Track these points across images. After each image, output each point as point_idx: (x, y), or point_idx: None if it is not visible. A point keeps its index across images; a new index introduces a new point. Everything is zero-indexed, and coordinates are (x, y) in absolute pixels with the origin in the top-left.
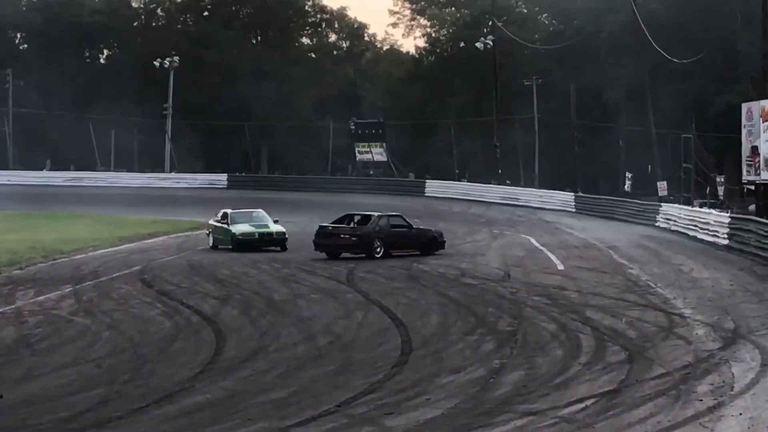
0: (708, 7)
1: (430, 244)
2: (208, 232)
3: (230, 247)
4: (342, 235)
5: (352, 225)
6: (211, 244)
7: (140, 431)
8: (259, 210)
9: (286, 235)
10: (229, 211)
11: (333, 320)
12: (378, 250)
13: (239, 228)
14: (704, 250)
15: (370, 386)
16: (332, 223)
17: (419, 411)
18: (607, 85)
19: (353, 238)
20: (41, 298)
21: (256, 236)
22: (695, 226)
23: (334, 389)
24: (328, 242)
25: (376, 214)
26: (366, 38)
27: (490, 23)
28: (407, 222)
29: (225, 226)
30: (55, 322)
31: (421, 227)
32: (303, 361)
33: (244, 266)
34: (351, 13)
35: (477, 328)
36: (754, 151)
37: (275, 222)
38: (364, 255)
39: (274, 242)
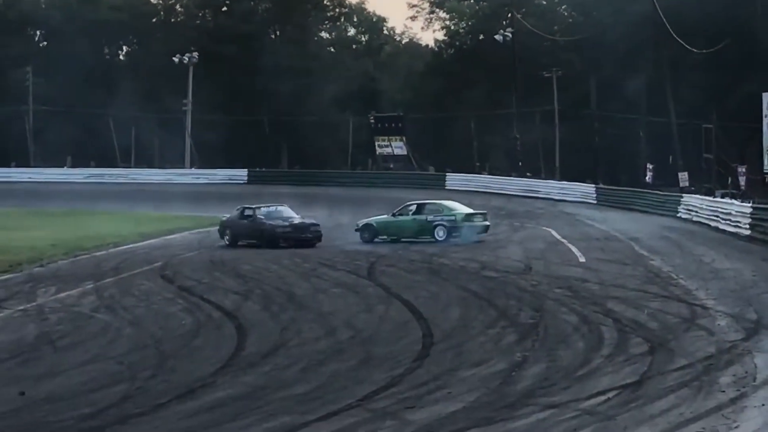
0: None
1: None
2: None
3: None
4: None
5: None
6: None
7: (162, 427)
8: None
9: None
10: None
11: (354, 314)
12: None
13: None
14: (726, 241)
15: (392, 380)
16: None
17: (440, 405)
18: (627, 76)
19: None
20: (62, 295)
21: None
22: (717, 216)
23: (356, 383)
24: None
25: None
26: (385, 32)
27: (509, 15)
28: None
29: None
30: (77, 319)
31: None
32: (324, 356)
33: (265, 261)
34: (370, 7)
35: (498, 321)
36: None
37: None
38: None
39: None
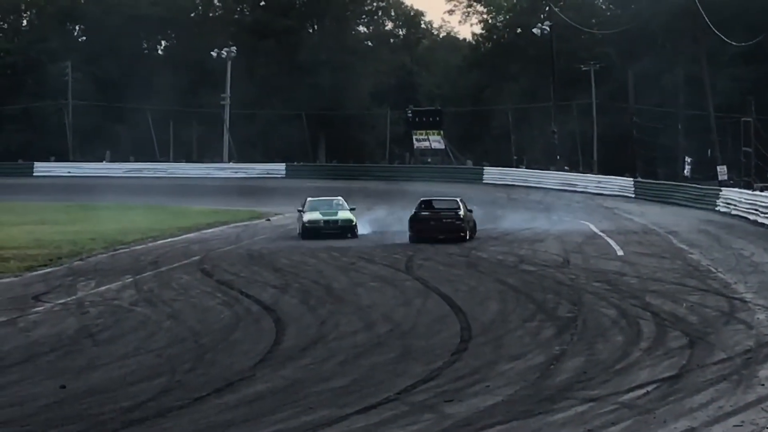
0: None
1: None
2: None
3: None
4: None
5: None
6: (299, 232)
7: (201, 420)
8: (339, 198)
9: (354, 223)
10: (309, 198)
11: (392, 308)
12: None
13: (307, 215)
14: (765, 235)
15: (430, 373)
16: None
17: (479, 398)
18: (665, 69)
19: None
20: (102, 288)
21: (321, 223)
22: (756, 210)
23: (394, 377)
24: None
25: None
26: (422, 26)
27: (547, 9)
28: None
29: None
30: (116, 313)
31: None
32: (362, 350)
33: (303, 255)
34: (407, 1)
35: (536, 314)
36: None
37: (352, 210)
38: None
39: (341, 229)
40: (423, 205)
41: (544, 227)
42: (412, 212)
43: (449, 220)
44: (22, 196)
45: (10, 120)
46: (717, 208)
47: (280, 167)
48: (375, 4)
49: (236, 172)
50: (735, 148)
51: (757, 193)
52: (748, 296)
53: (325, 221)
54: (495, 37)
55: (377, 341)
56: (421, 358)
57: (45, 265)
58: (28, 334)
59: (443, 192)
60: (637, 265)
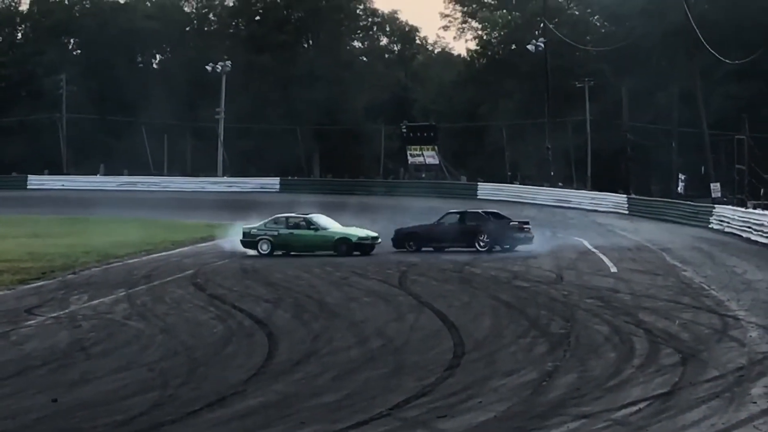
0: (761, 6)
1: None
2: (258, 238)
3: (331, 252)
4: None
5: None
6: (266, 250)
7: None
8: (316, 215)
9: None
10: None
11: (385, 323)
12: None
13: (348, 231)
14: (758, 252)
15: (423, 389)
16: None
17: (471, 414)
18: (659, 86)
19: None
20: (95, 302)
21: (369, 239)
22: (749, 227)
23: (387, 392)
24: None
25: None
26: (417, 41)
27: (542, 25)
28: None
29: (311, 230)
30: (109, 326)
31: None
32: (355, 365)
33: (296, 270)
34: (402, 17)
35: (529, 330)
36: None
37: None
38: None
39: (371, 247)
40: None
41: (537, 243)
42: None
43: None
44: (15, 209)
45: (5, 132)
46: (710, 226)
47: (274, 182)
48: (370, 19)
49: (230, 186)
50: (728, 166)
51: (751, 210)
52: (741, 314)
53: (362, 237)
54: (489, 53)
55: (370, 356)
56: (413, 374)
57: (38, 279)
58: (21, 348)
59: (439, 207)
60: (630, 282)
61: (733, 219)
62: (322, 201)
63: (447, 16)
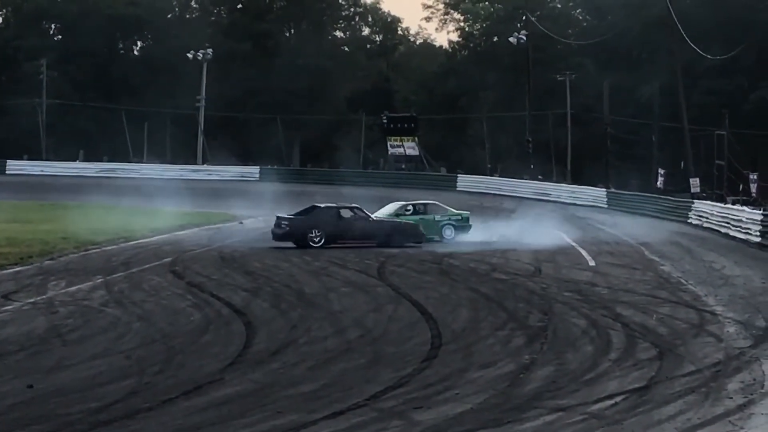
0: (742, 2)
1: (389, 236)
2: None
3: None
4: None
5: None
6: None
7: (169, 423)
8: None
9: None
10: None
11: (363, 314)
12: (317, 240)
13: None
14: (736, 248)
15: (400, 380)
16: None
17: (448, 405)
18: (640, 80)
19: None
20: (72, 288)
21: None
22: (728, 223)
23: (364, 383)
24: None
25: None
26: (399, 32)
27: (524, 18)
28: (365, 213)
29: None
30: (86, 313)
31: (384, 219)
32: (333, 355)
33: (275, 259)
34: (384, 7)
35: (507, 323)
36: None
37: None
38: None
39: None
40: None
41: (516, 236)
42: None
43: None
44: None
45: None
46: (689, 221)
47: (254, 170)
48: (352, 9)
49: (210, 174)
50: (708, 161)
51: (729, 206)
52: (719, 309)
53: None
54: (471, 45)
55: (347, 347)
56: (391, 365)
57: (15, 264)
58: None
59: (418, 198)
60: (608, 276)
61: (712, 214)
62: (301, 190)
63: (429, 7)
